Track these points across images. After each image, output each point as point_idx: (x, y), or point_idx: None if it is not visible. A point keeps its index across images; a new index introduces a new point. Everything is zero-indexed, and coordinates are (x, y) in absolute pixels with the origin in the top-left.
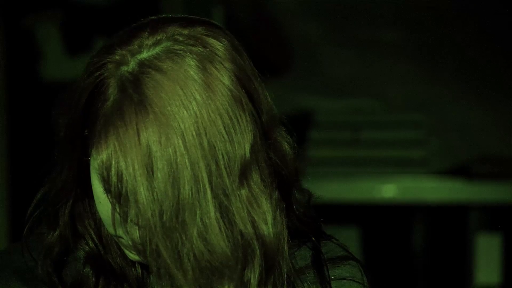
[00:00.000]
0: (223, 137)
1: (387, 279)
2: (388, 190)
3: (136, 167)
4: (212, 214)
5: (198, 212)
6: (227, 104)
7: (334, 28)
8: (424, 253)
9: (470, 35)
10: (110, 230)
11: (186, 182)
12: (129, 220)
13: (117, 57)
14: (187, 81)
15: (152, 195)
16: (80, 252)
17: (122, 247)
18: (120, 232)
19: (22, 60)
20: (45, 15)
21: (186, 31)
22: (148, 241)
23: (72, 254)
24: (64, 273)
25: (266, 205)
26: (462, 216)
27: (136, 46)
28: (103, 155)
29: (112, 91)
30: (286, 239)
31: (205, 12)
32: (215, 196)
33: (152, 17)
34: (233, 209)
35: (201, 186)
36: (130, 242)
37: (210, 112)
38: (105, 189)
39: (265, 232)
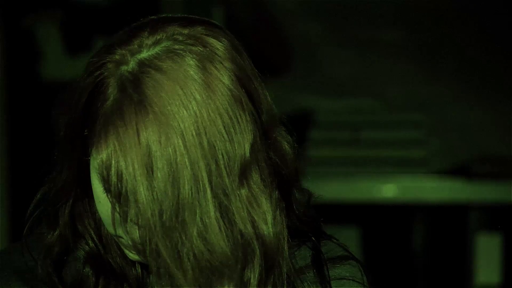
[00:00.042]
0: (223, 136)
1: (387, 279)
2: (388, 190)
3: (136, 166)
4: (212, 213)
5: (198, 211)
6: (227, 103)
7: (334, 28)
8: (424, 253)
9: (470, 35)
10: (110, 230)
11: (186, 182)
12: (129, 220)
13: (117, 57)
14: (187, 80)
15: (152, 194)
16: (80, 252)
17: (122, 247)
18: (120, 232)
19: (22, 60)
20: (45, 15)
21: (186, 31)
22: (148, 241)
23: (72, 254)
24: (64, 273)
25: (266, 205)
26: (462, 216)
27: (136, 46)
28: (103, 155)
29: (112, 91)
30: (286, 239)
31: (205, 12)
32: (215, 196)
33: (152, 17)
34: (233, 208)
35: (201, 185)
36: (130, 242)
37: (210, 111)
38: (105, 188)
39: (265, 232)
